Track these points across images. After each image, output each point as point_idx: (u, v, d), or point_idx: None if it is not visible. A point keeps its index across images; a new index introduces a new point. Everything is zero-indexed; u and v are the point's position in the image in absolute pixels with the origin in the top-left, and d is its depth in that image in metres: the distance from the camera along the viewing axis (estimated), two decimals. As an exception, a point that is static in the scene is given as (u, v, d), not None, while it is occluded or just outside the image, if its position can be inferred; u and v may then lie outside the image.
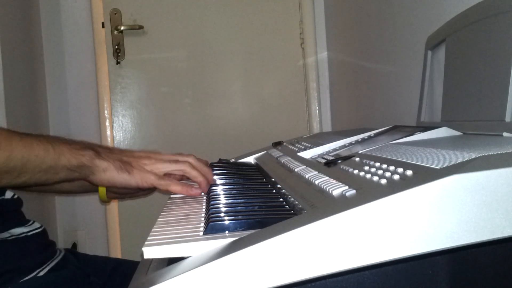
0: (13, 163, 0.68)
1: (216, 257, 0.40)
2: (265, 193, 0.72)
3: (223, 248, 0.43)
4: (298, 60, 2.22)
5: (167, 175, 0.81)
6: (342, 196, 0.49)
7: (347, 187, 0.51)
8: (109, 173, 0.75)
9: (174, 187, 0.77)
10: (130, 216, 2.11)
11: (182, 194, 0.77)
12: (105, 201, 0.95)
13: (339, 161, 0.67)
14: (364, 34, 1.70)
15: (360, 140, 0.84)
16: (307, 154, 0.86)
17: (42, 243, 0.88)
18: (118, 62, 2.10)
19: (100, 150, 0.77)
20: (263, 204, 0.64)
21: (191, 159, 0.82)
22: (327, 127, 2.20)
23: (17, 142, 0.69)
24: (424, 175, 0.44)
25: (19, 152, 0.68)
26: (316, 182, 0.59)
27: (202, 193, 0.79)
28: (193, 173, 0.80)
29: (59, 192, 0.80)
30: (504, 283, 0.47)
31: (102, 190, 0.89)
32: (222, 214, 0.55)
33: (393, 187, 0.42)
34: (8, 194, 0.88)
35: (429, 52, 1.05)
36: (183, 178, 0.84)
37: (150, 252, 0.47)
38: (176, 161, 0.81)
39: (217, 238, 0.48)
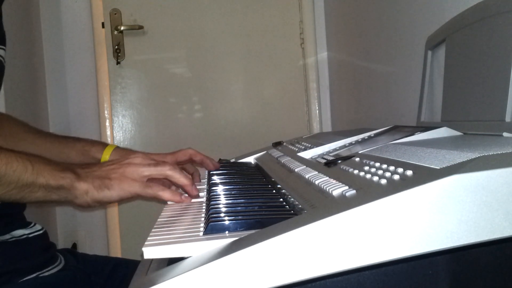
0: None
1: (216, 257, 0.40)
2: (265, 193, 0.72)
3: (223, 248, 0.43)
4: (298, 60, 2.22)
5: (153, 180, 0.78)
6: (342, 196, 0.49)
7: (347, 187, 0.51)
8: (90, 194, 0.73)
9: (162, 193, 0.73)
10: (130, 216, 2.11)
11: (172, 201, 0.74)
12: None
13: (339, 161, 0.67)
14: (364, 34, 1.70)
15: (360, 140, 0.84)
16: (307, 154, 0.86)
17: (42, 245, 0.88)
18: (118, 62, 2.10)
19: (80, 171, 0.75)
20: (263, 204, 0.64)
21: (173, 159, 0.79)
22: (327, 127, 2.20)
23: None
24: (424, 175, 0.44)
25: None
26: (316, 182, 0.59)
27: (202, 194, 0.78)
28: (175, 177, 0.76)
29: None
30: (504, 283, 0.47)
31: None
32: (222, 214, 0.55)
33: (393, 187, 0.42)
34: None
35: (429, 52, 1.05)
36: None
37: (150, 252, 0.47)
38: (156, 164, 0.77)
39: (217, 238, 0.48)
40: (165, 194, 0.73)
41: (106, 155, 0.98)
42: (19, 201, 0.72)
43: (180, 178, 0.76)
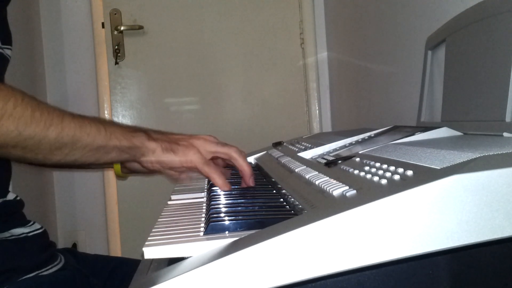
0: (64, 139, 0.69)
1: (216, 257, 0.40)
2: (265, 193, 0.72)
3: (224, 248, 0.44)
4: (298, 60, 2.22)
5: (216, 159, 0.82)
6: (343, 196, 0.49)
7: (347, 187, 0.51)
8: (157, 153, 0.76)
9: (217, 177, 0.75)
10: (130, 216, 2.11)
11: (218, 188, 0.75)
12: (120, 176, 0.95)
13: (340, 162, 0.67)
14: (364, 34, 1.70)
15: (360, 140, 0.84)
16: (307, 154, 0.86)
17: (42, 244, 0.88)
18: (117, 62, 2.10)
19: (151, 132, 0.79)
20: (264, 204, 0.64)
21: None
22: (327, 127, 2.20)
23: (69, 119, 0.69)
24: (424, 175, 0.44)
25: (70, 130, 0.69)
26: (317, 183, 0.59)
27: (203, 194, 0.78)
28: (239, 161, 0.79)
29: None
30: (504, 283, 0.47)
31: (117, 166, 0.90)
32: (222, 215, 0.56)
33: (394, 187, 0.42)
34: (11, 196, 0.88)
35: (429, 52, 1.05)
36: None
37: (151, 252, 0.47)
38: (224, 145, 0.82)
39: (218, 239, 0.48)
40: (219, 180, 0.75)
41: None
42: (94, 163, 0.75)
43: (243, 164, 0.80)
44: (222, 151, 0.81)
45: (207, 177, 0.77)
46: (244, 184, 0.79)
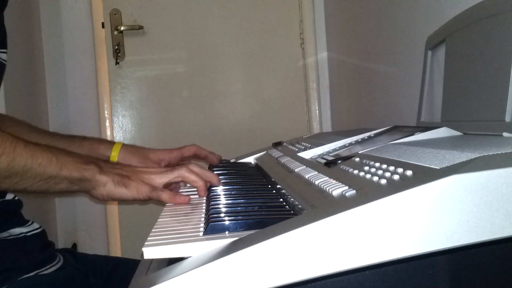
0: (15, 169, 0.69)
1: (216, 257, 0.40)
2: (265, 193, 0.72)
3: (223, 248, 0.44)
4: (298, 60, 2.22)
5: (169, 185, 0.81)
6: (342, 196, 0.49)
7: (347, 187, 0.51)
8: (108, 187, 0.76)
9: (163, 196, 0.76)
10: (130, 216, 2.11)
11: (171, 203, 0.75)
12: None
13: (339, 161, 0.67)
14: (364, 34, 1.70)
15: (360, 140, 0.84)
16: (307, 154, 0.86)
17: (41, 244, 0.88)
18: (117, 62, 2.10)
19: (103, 165, 0.78)
20: (263, 204, 0.64)
21: (191, 166, 0.81)
22: (327, 127, 2.20)
23: (21, 149, 0.70)
24: (424, 175, 0.44)
25: (22, 159, 0.69)
26: (316, 182, 0.59)
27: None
28: (191, 178, 0.78)
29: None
30: (504, 283, 0.47)
31: None
32: (222, 215, 0.56)
33: (393, 187, 0.42)
34: (9, 196, 0.88)
35: (429, 52, 1.05)
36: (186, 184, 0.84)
37: (150, 252, 0.47)
38: (173, 170, 0.80)
39: (217, 239, 0.48)
40: (165, 196, 0.75)
41: (115, 153, 1.02)
42: (44, 193, 0.75)
43: (195, 179, 0.78)
44: (173, 176, 0.79)
45: (159, 201, 0.77)
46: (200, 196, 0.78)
